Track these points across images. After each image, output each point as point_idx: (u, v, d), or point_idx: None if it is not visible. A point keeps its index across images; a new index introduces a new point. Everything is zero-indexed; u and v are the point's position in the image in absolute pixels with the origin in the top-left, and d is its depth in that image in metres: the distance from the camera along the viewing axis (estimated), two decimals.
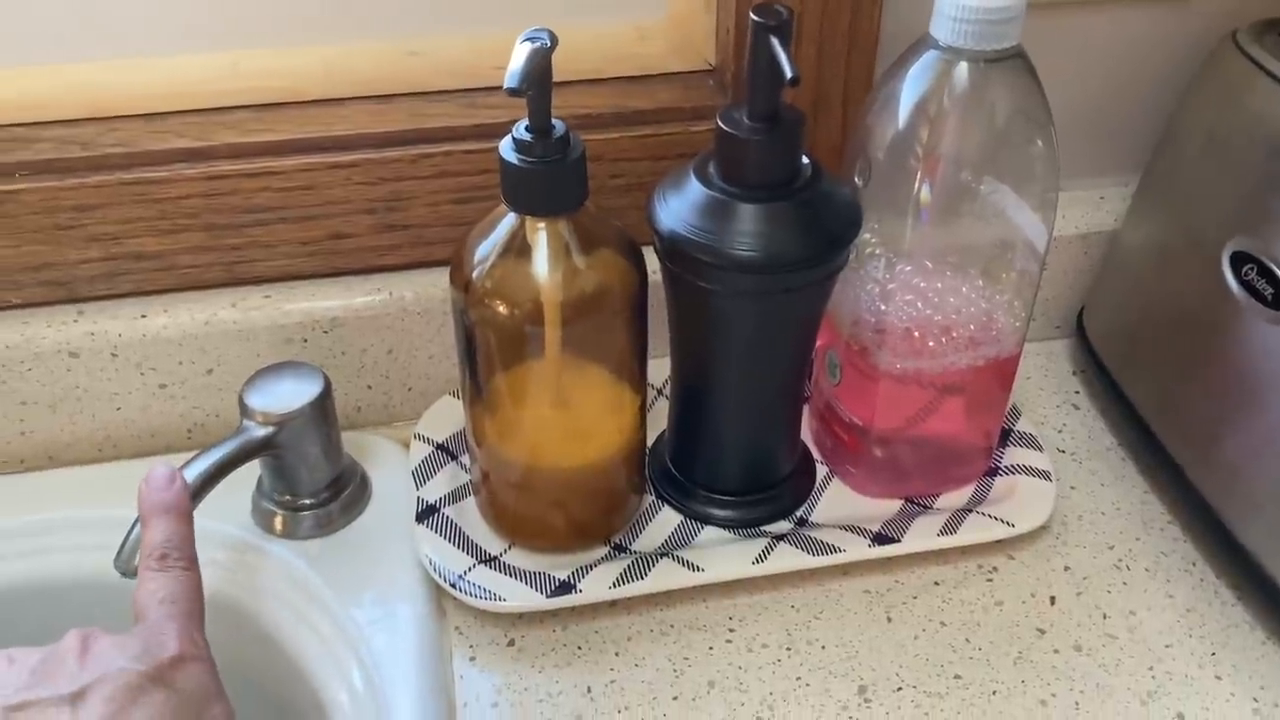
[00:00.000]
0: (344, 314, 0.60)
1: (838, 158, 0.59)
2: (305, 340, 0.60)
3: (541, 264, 0.48)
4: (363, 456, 0.60)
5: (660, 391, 0.63)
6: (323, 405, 0.54)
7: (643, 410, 0.54)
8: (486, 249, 0.48)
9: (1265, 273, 0.52)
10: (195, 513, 0.48)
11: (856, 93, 0.60)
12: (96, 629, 0.39)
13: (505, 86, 0.41)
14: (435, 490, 0.57)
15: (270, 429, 0.53)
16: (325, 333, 0.60)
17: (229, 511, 0.56)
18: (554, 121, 0.45)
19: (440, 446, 0.59)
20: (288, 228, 0.58)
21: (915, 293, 0.54)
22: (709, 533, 0.57)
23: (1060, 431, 0.65)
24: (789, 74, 0.42)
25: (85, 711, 0.36)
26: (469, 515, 0.56)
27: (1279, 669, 0.52)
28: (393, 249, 0.60)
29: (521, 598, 0.52)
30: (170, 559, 0.42)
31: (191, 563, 0.43)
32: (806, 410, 0.62)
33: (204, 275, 0.59)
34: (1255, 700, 0.51)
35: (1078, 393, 0.68)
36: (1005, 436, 0.62)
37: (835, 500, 0.59)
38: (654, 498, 0.59)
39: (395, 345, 0.62)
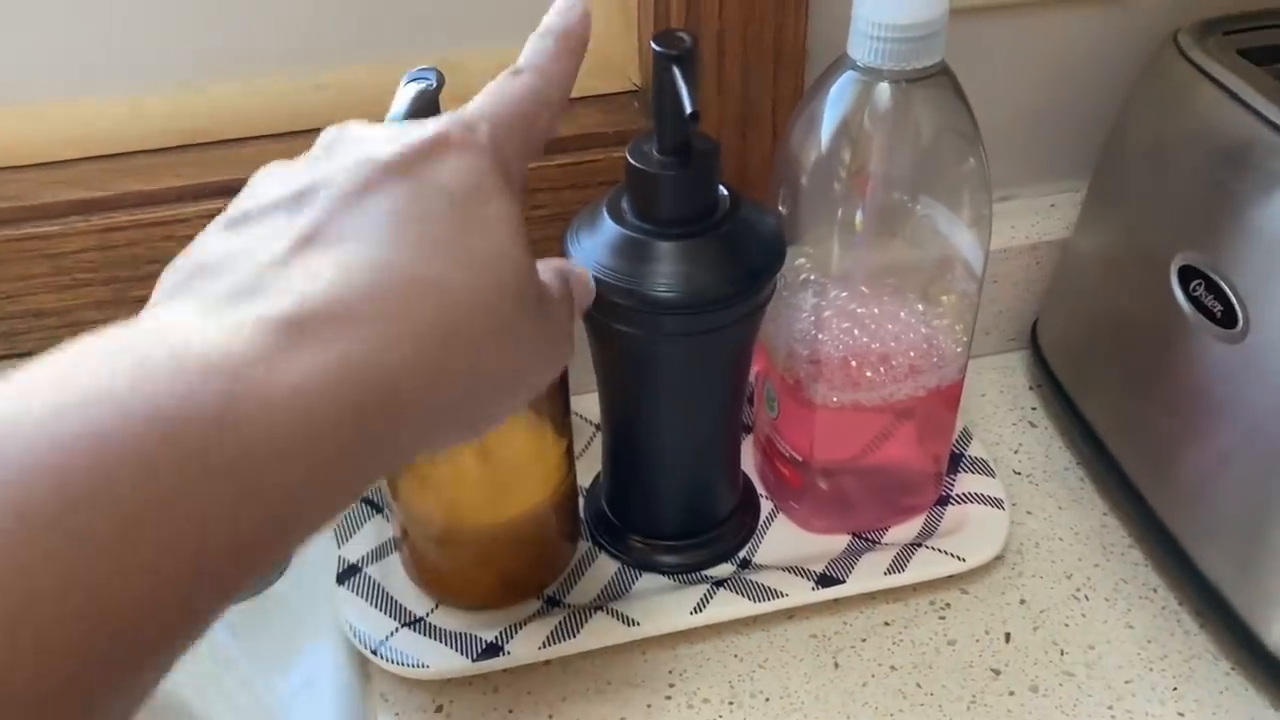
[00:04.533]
0: None
1: (769, 175, 0.56)
2: None
3: None
4: None
5: (599, 429, 0.61)
6: None
7: (569, 455, 0.52)
8: None
9: (1214, 289, 0.49)
10: None
11: (785, 107, 0.57)
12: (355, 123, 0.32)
13: None
14: (358, 548, 0.54)
15: None
16: None
17: None
18: None
19: (364, 499, 0.57)
20: None
21: (852, 319, 0.51)
22: (648, 579, 0.54)
23: (1016, 452, 0.63)
24: (688, 109, 0.40)
25: (303, 216, 0.29)
26: (394, 572, 0.54)
27: (1243, 702, 0.50)
28: None
29: (446, 663, 0.49)
30: (519, 71, 0.35)
31: (536, 73, 0.35)
32: (750, 442, 0.59)
33: None
34: None
35: (1034, 409, 0.65)
36: (956, 462, 0.59)
37: (780, 538, 0.56)
38: (590, 544, 0.56)
39: None
